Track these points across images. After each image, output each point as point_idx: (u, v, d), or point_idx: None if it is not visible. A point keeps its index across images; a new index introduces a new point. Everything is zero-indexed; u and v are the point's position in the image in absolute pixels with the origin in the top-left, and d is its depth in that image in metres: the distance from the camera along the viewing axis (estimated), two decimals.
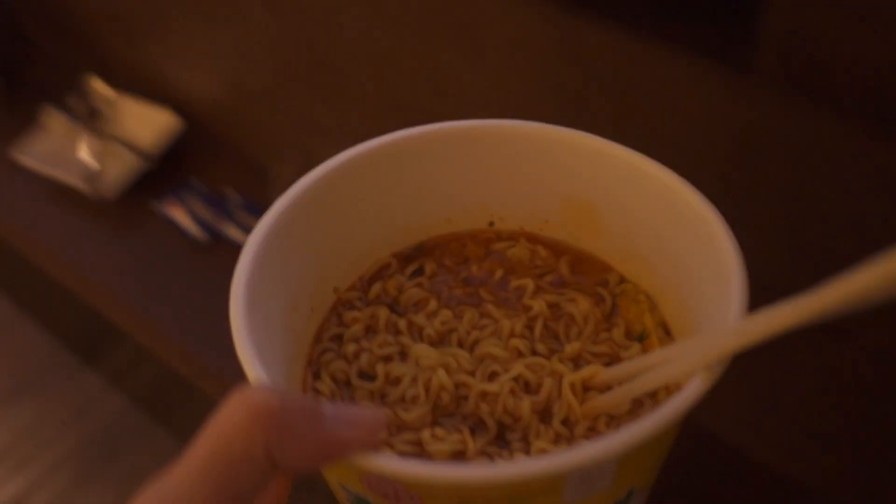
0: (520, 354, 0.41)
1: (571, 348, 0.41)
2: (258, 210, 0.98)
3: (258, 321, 0.37)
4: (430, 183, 0.45)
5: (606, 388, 0.39)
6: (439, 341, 0.42)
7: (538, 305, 0.43)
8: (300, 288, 0.42)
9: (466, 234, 0.47)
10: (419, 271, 0.46)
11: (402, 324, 0.43)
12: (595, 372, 0.39)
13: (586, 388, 0.40)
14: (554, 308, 0.43)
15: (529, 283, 0.44)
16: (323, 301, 0.44)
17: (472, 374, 0.41)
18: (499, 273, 0.45)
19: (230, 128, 1.07)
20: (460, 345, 0.42)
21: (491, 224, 0.47)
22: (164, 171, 1.08)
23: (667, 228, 0.41)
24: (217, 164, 1.07)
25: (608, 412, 0.39)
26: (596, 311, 0.43)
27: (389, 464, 0.31)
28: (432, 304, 0.44)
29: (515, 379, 0.40)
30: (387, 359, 0.42)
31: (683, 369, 0.34)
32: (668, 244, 0.41)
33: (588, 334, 0.42)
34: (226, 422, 0.30)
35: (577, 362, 0.41)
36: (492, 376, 0.41)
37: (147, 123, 1.09)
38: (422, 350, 0.41)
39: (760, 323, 0.31)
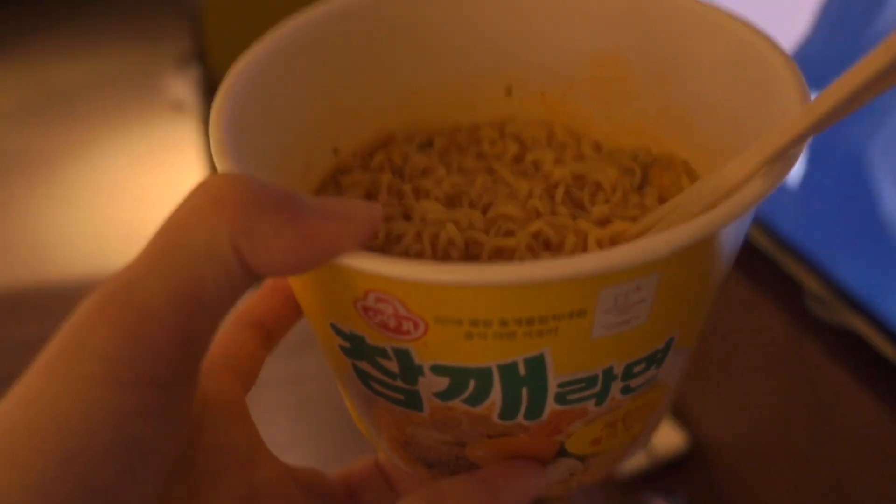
0: (539, 215, 0.36)
1: (599, 211, 0.36)
2: None
3: (244, 146, 0.32)
4: (440, 36, 0.40)
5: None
6: (448, 203, 0.38)
7: (559, 172, 0.38)
8: (295, 133, 0.37)
9: (481, 122, 0.43)
10: (427, 144, 0.41)
11: (406, 188, 0.38)
12: (624, 229, 0.35)
13: (614, 245, 0.35)
14: (577, 178, 0.39)
15: (548, 153, 0.40)
16: (319, 160, 0.39)
17: (485, 231, 0.36)
18: (513, 147, 0.41)
19: None
20: (471, 206, 0.37)
21: (509, 92, 0.42)
22: None
23: (714, 76, 0.36)
24: None
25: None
26: (624, 180, 0.38)
27: (394, 266, 0.26)
28: (440, 171, 0.39)
29: (535, 236, 0.35)
30: (388, 218, 0.37)
31: (739, 177, 0.29)
32: (715, 96, 0.36)
33: (616, 201, 0.37)
34: (185, 212, 0.25)
35: (603, 225, 0.36)
36: (507, 235, 0.36)
37: None
38: (429, 205, 0.37)
39: (824, 97, 0.26)
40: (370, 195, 0.38)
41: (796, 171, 0.93)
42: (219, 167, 0.29)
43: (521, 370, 0.29)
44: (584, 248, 0.35)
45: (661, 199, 0.37)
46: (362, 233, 0.26)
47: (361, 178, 0.39)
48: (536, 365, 0.29)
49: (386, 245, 0.36)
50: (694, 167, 0.38)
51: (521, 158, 0.40)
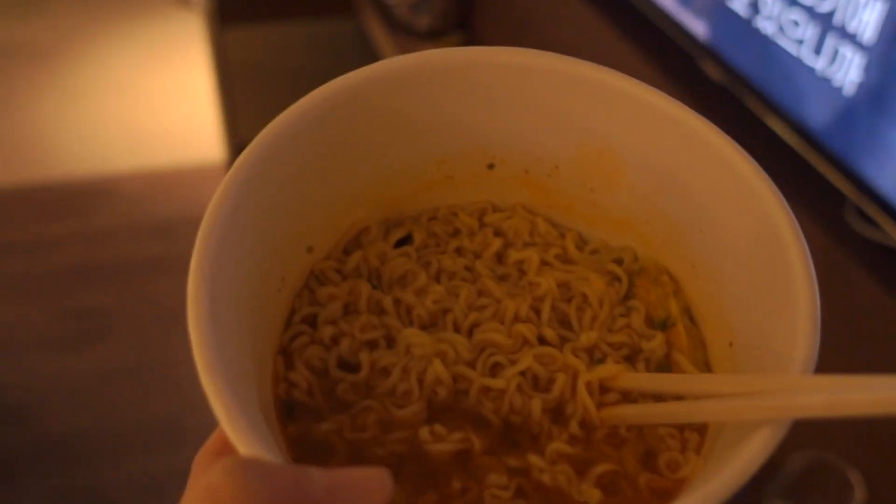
0: (525, 342, 0.36)
1: (587, 338, 0.35)
2: None
3: (222, 310, 0.30)
4: (420, 118, 0.37)
5: (627, 392, 0.34)
6: (431, 323, 0.36)
7: (546, 283, 0.37)
8: (271, 249, 0.35)
9: (456, 204, 0.40)
10: (406, 240, 0.39)
11: (386, 302, 0.37)
12: (615, 374, 0.34)
13: (604, 389, 0.34)
14: (563, 287, 0.37)
15: (533, 256, 0.38)
16: (295, 267, 0.37)
17: (472, 364, 0.35)
18: (496, 244, 0.39)
19: None
20: (456, 328, 0.36)
21: (490, 167, 0.40)
22: None
23: (705, 193, 0.35)
24: None
25: (630, 424, 0.33)
26: (611, 291, 0.37)
27: None
28: (421, 279, 0.37)
29: (523, 373, 0.34)
30: (371, 344, 0.36)
31: (737, 415, 0.29)
32: (706, 213, 0.35)
33: (603, 319, 0.36)
34: None
35: (591, 353, 0.35)
36: (494, 368, 0.35)
37: None
38: (413, 336, 0.35)
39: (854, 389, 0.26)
40: (349, 308, 0.37)
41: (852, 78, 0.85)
42: (217, 414, 0.28)
43: None
44: (573, 390, 0.34)
45: (648, 320, 0.36)
46: None
47: (338, 292, 0.37)
48: None
49: (371, 377, 0.35)
50: (683, 287, 0.37)
51: (503, 257, 0.39)
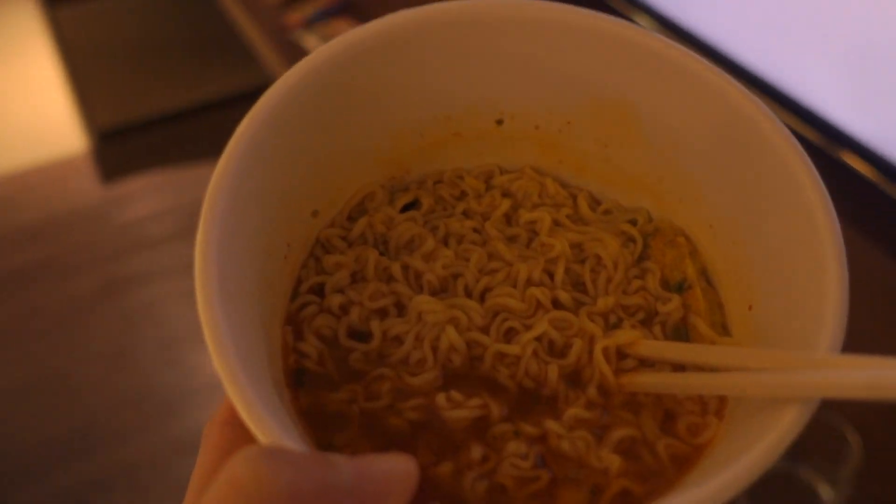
0: (540, 306, 0.35)
1: (604, 303, 0.35)
2: None
3: (230, 283, 0.29)
4: (427, 75, 0.36)
5: (645, 358, 0.33)
6: (442, 289, 0.35)
7: (559, 245, 0.36)
8: (276, 215, 0.33)
9: (462, 168, 0.39)
10: (412, 205, 0.38)
11: (395, 269, 0.35)
12: (633, 339, 0.33)
13: (621, 355, 0.34)
14: (576, 249, 0.37)
15: (545, 217, 0.37)
16: (300, 232, 0.36)
17: (486, 330, 0.34)
18: (505, 205, 0.38)
19: None
20: (468, 293, 0.35)
21: (499, 122, 0.38)
22: None
23: (723, 152, 0.34)
24: None
25: (648, 392, 0.33)
26: (626, 252, 0.36)
27: None
28: (429, 243, 0.36)
29: (538, 339, 0.34)
30: (381, 313, 0.34)
31: (764, 391, 0.28)
32: (724, 172, 0.34)
33: (618, 281, 0.36)
34: None
35: (607, 318, 0.35)
36: (509, 333, 0.34)
37: None
38: (424, 303, 0.34)
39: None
40: (357, 276, 0.35)
41: None
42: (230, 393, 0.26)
43: None
44: (590, 356, 0.33)
45: (664, 282, 0.36)
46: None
47: (345, 259, 0.36)
48: None
49: (383, 346, 0.33)
50: (699, 248, 0.36)
51: (512, 218, 0.38)
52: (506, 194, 0.39)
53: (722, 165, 0.34)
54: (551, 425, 0.31)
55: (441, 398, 0.32)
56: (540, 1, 0.35)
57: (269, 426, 0.26)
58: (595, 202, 0.39)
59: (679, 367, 0.33)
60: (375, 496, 0.24)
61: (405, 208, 0.38)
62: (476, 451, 0.31)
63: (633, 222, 0.38)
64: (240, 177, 0.30)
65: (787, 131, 0.32)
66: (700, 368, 0.33)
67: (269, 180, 0.32)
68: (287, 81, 0.33)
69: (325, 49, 0.34)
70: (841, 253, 0.29)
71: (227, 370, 0.26)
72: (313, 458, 0.23)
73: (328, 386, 0.33)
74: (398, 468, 0.25)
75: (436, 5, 0.34)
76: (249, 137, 0.31)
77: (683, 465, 0.31)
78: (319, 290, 0.35)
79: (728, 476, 0.25)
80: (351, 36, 0.34)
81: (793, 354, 0.28)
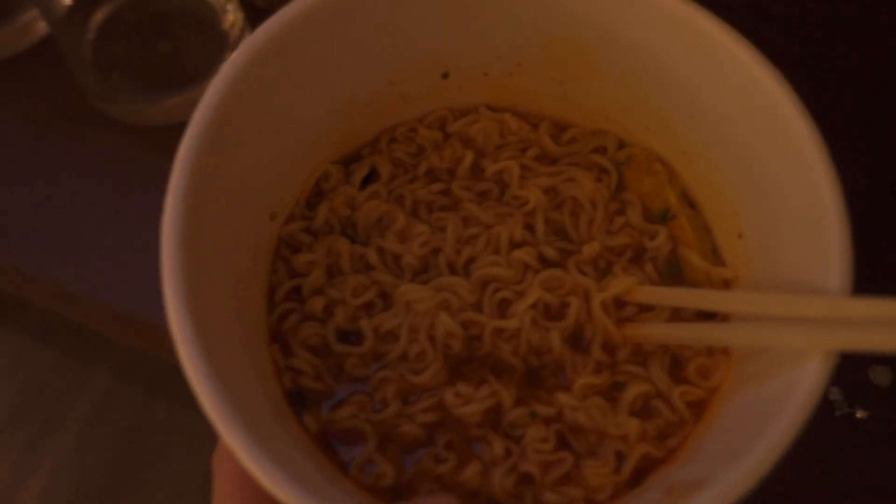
0: (527, 268, 0.33)
1: (590, 249, 0.34)
2: None
3: (207, 318, 0.27)
4: (365, 40, 0.33)
5: (644, 303, 0.33)
6: (423, 269, 0.34)
7: (533, 196, 0.34)
8: (236, 228, 0.31)
9: (414, 119, 0.36)
10: (370, 177, 0.36)
11: (371, 255, 0.34)
12: (629, 287, 0.33)
13: (620, 303, 0.33)
14: (551, 194, 0.35)
15: (513, 166, 0.35)
16: (263, 239, 0.34)
17: (478, 306, 0.33)
18: (468, 157, 0.36)
19: None
20: (451, 268, 0.34)
21: (445, 76, 0.36)
22: None
23: (689, 77, 0.32)
24: None
25: (653, 341, 0.32)
26: (601, 188, 0.35)
27: None
28: (400, 219, 0.34)
29: (533, 306, 0.33)
30: (368, 307, 0.33)
31: (782, 343, 0.27)
32: (693, 97, 0.32)
33: (600, 221, 0.34)
34: None
35: (596, 264, 0.34)
36: (502, 304, 0.33)
37: None
38: (410, 291, 0.33)
39: None
40: (332, 270, 0.34)
41: None
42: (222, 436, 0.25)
43: None
44: (589, 313, 0.33)
45: (646, 213, 0.35)
46: None
47: (316, 257, 0.34)
48: None
49: (377, 345, 0.32)
50: (674, 166, 0.35)
51: (478, 171, 0.36)
52: (465, 141, 0.36)
53: (688, 91, 0.32)
54: (564, 399, 0.31)
55: (450, 395, 0.31)
56: None
57: (291, 490, 0.24)
58: (558, 130, 0.37)
59: (678, 310, 0.33)
60: None
61: (364, 183, 0.35)
62: (498, 447, 0.30)
63: (603, 151, 0.36)
64: (195, 190, 0.28)
65: (762, 58, 0.30)
66: (703, 312, 0.32)
67: (222, 190, 0.30)
68: (227, 75, 0.30)
69: (258, 34, 0.30)
70: (835, 183, 0.28)
71: (224, 425, 0.25)
72: None
73: (330, 401, 0.32)
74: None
75: None
76: (194, 156, 0.28)
77: (700, 410, 0.31)
78: (297, 294, 0.33)
79: (762, 448, 0.25)
80: (283, 15, 0.31)
81: (803, 299, 0.27)
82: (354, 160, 0.36)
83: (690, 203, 0.35)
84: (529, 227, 0.34)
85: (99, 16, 0.54)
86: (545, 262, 0.34)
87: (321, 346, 0.33)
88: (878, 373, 0.44)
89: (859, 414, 0.43)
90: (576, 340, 0.33)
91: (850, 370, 0.44)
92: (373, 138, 0.36)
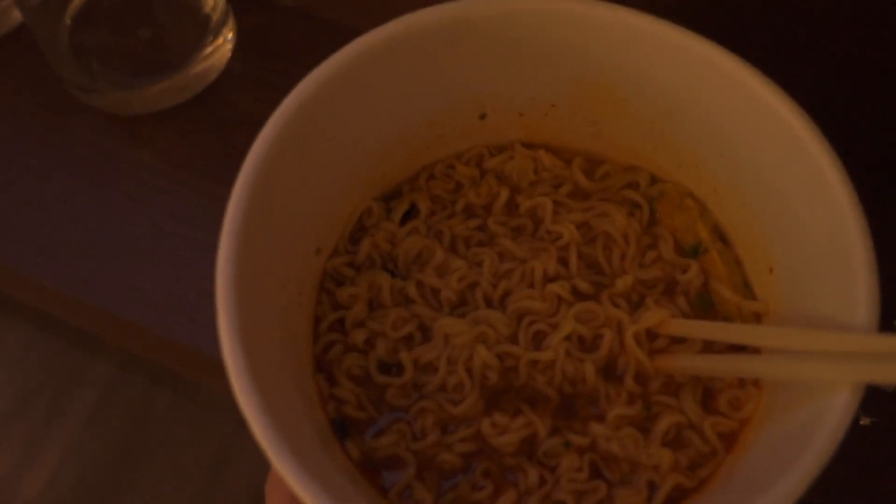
0: (561, 301, 0.35)
1: (623, 283, 0.35)
2: None
3: (256, 347, 0.29)
4: (407, 85, 0.35)
5: (676, 336, 0.34)
6: (461, 302, 0.35)
7: (567, 231, 0.36)
8: (284, 263, 0.33)
9: (452, 154, 0.38)
10: (410, 213, 0.37)
11: (411, 289, 0.35)
12: (661, 319, 0.34)
13: (652, 335, 0.34)
14: (584, 229, 0.36)
15: (546, 203, 0.36)
16: (308, 273, 0.35)
17: (514, 339, 0.34)
18: (503, 194, 0.37)
19: None
20: (487, 302, 0.35)
21: (482, 117, 0.37)
22: None
23: (720, 116, 0.33)
24: None
25: (685, 372, 0.33)
26: (633, 223, 0.36)
27: None
28: (438, 255, 0.36)
29: (567, 337, 0.34)
30: (408, 340, 0.34)
31: (812, 373, 0.28)
32: (725, 136, 0.33)
33: (632, 255, 0.35)
34: None
35: (629, 297, 0.35)
36: (537, 337, 0.34)
37: None
38: (448, 325, 0.34)
39: None
40: (373, 304, 0.35)
41: None
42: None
43: None
44: (622, 344, 0.34)
45: (678, 248, 0.36)
46: None
47: (358, 291, 0.35)
48: None
49: (416, 376, 0.34)
50: (705, 202, 0.36)
51: (513, 207, 0.37)
52: (501, 178, 0.38)
53: (720, 130, 0.33)
54: (598, 429, 0.32)
55: (486, 425, 0.32)
56: None
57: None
58: (591, 165, 0.38)
59: (709, 342, 0.34)
60: None
61: (404, 218, 0.37)
62: (532, 476, 0.31)
63: (636, 186, 0.37)
64: (246, 232, 0.30)
65: (783, 93, 0.31)
66: (733, 345, 0.33)
67: (272, 229, 0.32)
68: (267, 133, 0.31)
69: (303, 86, 0.32)
70: (863, 224, 0.29)
71: (274, 452, 0.26)
72: None
73: (372, 428, 0.33)
74: None
75: (404, 18, 0.33)
76: (246, 197, 0.30)
77: (730, 441, 0.32)
78: (340, 326, 0.35)
79: (792, 479, 0.26)
80: (323, 69, 0.33)
81: (833, 334, 0.28)
82: (395, 196, 0.38)
83: (722, 238, 0.36)
84: (563, 262, 0.35)
85: (76, 2, 0.52)
86: (579, 296, 0.35)
87: (363, 376, 0.34)
88: None
89: (863, 421, 0.42)
90: (609, 371, 0.34)
91: None
92: (412, 175, 0.38)
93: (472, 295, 0.35)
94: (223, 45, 0.55)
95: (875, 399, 0.42)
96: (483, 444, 0.33)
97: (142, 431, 1.01)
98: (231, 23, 0.55)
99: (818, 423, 0.27)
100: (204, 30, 0.53)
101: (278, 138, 0.31)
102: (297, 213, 0.33)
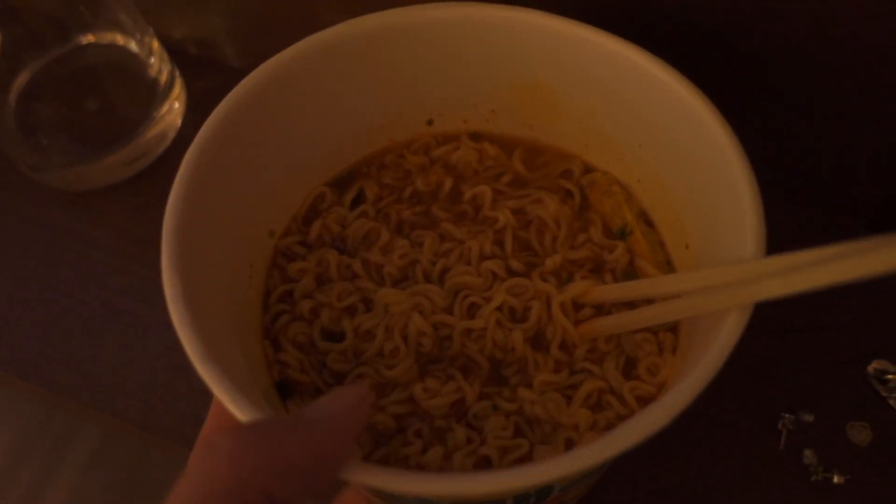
0: (496, 277, 0.37)
1: (552, 262, 0.37)
2: None
3: (202, 309, 0.31)
4: (357, 88, 0.38)
5: (600, 305, 0.36)
6: (403, 278, 0.38)
7: (503, 216, 0.38)
8: (235, 239, 0.35)
9: (402, 144, 0.41)
10: (359, 198, 0.40)
11: (356, 265, 0.38)
12: (585, 289, 0.36)
13: (578, 306, 0.36)
14: (519, 214, 0.39)
15: (486, 191, 0.39)
16: (261, 251, 0.38)
17: (450, 310, 0.36)
18: (448, 183, 0.40)
19: None
20: (427, 278, 0.37)
21: (429, 123, 0.41)
22: None
23: (642, 115, 0.36)
24: None
25: (607, 335, 0.35)
26: (566, 209, 0.39)
27: (377, 477, 0.26)
28: (384, 236, 0.38)
29: (499, 308, 0.36)
30: (351, 310, 0.37)
31: (703, 308, 0.30)
32: (643, 127, 0.36)
33: (563, 238, 0.38)
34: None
35: (559, 275, 0.37)
36: (471, 308, 0.36)
37: None
38: (388, 295, 0.36)
39: (807, 266, 0.27)
40: (321, 278, 0.38)
41: None
42: (217, 393, 0.28)
43: None
44: (549, 314, 0.36)
45: (606, 231, 0.38)
46: (353, 435, 0.26)
47: (307, 265, 0.38)
48: None
49: (357, 343, 0.36)
50: (632, 189, 0.38)
51: (457, 194, 0.40)
52: (447, 167, 0.41)
53: (639, 122, 0.36)
54: (524, 393, 0.34)
55: (418, 390, 0.34)
56: (447, 2, 0.37)
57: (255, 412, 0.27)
58: (532, 155, 0.41)
59: (633, 307, 0.36)
60: (346, 427, 0.26)
61: (354, 202, 0.40)
62: (460, 434, 0.33)
63: (569, 175, 0.40)
64: (195, 205, 0.32)
65: (693, 87, 0.33)
66: (649, 302, 0.35)
67: (221, 207, 0.34)
68: (226, 108, 0.34)
69: (259, 72, 0.35)
70: (751, 176, 0.31)
71: (214, 380, 0.28)
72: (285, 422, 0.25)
73: (313, 392, 0.36)
74: (355, 393, 0.27)
75: (359, 19, 0.36)
76: (194, 165, 0.33)
77: (648, 403, 0.34)
78: (289, 297, 0.37)
79: (677, 390, 0.27)
80: (282, 57, 0.36)
81: (724, 269, 0.30)
82: (347, 183, 0.40)
83: (647, 221, 0.38)
84: (499, 243, 0.38)
85: (20, 80, 0.50)
86: (512, 273, 0.37)
87: (308, 343, 0.36)
88: (857, 430, 0.43)
89: (836, 479, 0.42)
90: (538, 342, 0.36)
91: (827, 430, 0.43)
92: (364, 163, 0.41)
93: (412, 271, 0.38)
94: (172, 110, 0.54)
95: (848, 456, 0.42)
96: (415, 407, 0.35)
97: (138, 478, 1.02)
98: (179, 87, 0.55)
99: (712, 345, 0.28)
100: (152, 96, 0.51)
101: (218, 132, 0.34)
102: (243, 200, 0.36)
